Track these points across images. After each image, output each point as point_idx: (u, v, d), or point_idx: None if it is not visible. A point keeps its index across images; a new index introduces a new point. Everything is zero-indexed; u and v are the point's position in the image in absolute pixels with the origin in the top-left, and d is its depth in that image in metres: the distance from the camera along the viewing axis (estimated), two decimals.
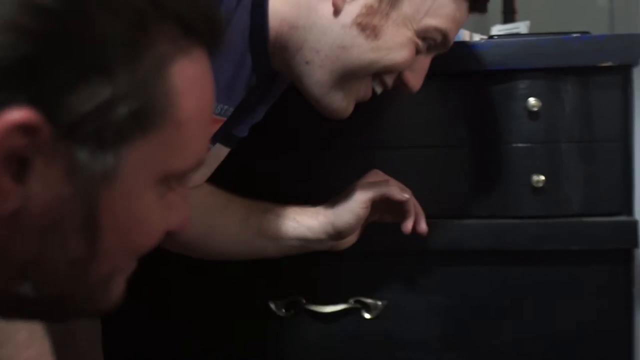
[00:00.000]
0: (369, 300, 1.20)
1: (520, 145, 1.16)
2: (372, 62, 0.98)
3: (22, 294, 0.55)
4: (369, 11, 0.96)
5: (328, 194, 1.13)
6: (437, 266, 1.19)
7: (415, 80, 1.03)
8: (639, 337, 1.63)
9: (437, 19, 0.98)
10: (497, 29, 1.37)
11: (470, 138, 1.18)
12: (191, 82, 0.56)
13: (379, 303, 1.20)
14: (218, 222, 1.12)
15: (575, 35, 1.16)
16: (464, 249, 1.18)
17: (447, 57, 1.06)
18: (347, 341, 1.22)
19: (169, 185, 0.58)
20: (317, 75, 0.99)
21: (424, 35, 0.99)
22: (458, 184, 1.19)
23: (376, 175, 1.12)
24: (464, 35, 1.24)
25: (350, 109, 1.04)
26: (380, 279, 1.21)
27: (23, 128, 0.48)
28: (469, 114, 1.18)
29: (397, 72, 1.01)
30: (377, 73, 1.01)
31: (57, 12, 0.49)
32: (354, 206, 1.08)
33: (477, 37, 1.26)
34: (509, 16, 1.62)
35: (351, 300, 1.21)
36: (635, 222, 1.15)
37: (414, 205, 1.11)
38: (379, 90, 1.04)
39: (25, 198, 0.50)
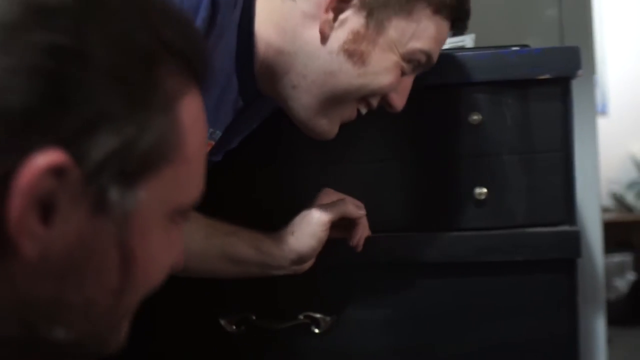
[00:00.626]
0: (318, 315, 1.21)
1: (462, 158, 1.18)
2: (360, 87, 1.00)
3: (54, 338, 0.55)
4: (356, 37, 0.98)
5: (280, 209, 1.14)
6: (384, 279, 1.20)
7: (399, 100, 1.05)
8: (583, 345, 1.65)
9: (421, 42, 1.00)
10: None
11: (412, 152, 1.19)
12: (195, 118, 0.58)
13: (328, 318, 1.21)
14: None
15: (513, 48, 1.18)
16: (409, 262, 1.19)
17: None
18: (298, 357, 1.23)
19: (174, 220, 0.60)
20: (303, 99, 1.01)
21: (409, 57, 1.01)
22: (401, 198, 1.20)
23: (329, 195, 1.13)
24: None
25: (336, 130, 1.06)
26: (329, 294, 1.22)
27: (53, 171, 0.49)
28: (411, 128, 1.19)
29: (383, 94, 1.03)
30: (364, 96, 1.03)
31: (74, 53, 0.50)
32: (316, 230, 1.09)
33: None
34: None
35: (301, 316, 1.21)
36: (577, 232, 1.16)
37: (363, 220, 1.13)
38: (363, 111, 1.06)
39: (51, 240, 0.51)
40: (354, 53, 0.98)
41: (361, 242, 1.13)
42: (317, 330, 1.21)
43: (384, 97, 1.04)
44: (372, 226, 1.15)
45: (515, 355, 1.20)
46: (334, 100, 1.01)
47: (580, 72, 1.16)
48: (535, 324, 1.19)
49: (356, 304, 1.21)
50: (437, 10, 1.00)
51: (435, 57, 1.04)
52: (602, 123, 4.97)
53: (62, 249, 0.52)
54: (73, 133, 0.49)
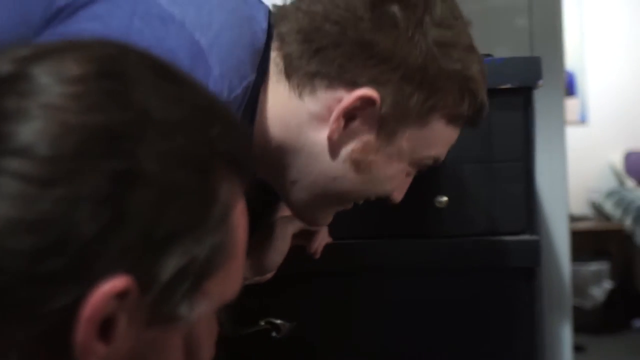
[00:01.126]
0: (279, 321, 1.21)
1: None
2: (362, 193, 0.98)
3: None
4: (365, 147, 0.93)
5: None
6: (344, 286, 1.21)
7: (399, 195, 1.02)
8: (549, 353, 1.66)
9: (433, 150, 0.97)
10: None
11: None
12: (242, 217, 0.60)
13: (288, 324, 1.21)
14: None
15: None
16: (370, 269, 1.19)
17: None
18: None
19: (214, 315, 0.61)
20: (301, 195, 0.98)
21: (417, 163, 0.98)
22: (363, 205, 1.19)
23: None
24: None
25: (329, 220, 1.04)
26: (290, 300, 1.22)
27: (117, 295, 0.49)
28: None
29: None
30: (368, 198, 1.00)
31: (134, 177, 0.50)
32: (279, 244, 1.09)
33: None
34: None
35: (262, 322, 1.21)
36: (537, 241, 1.17)
37: (324, 229, 1.13)
38: (361, 202, 1.03)
39: (114, 353, 0.51)
40: (361, 162, 0.94)
41: (319, 250, 1.13)
42: (277, 336, 1.21)
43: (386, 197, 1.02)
44: (334, 233, 1.15)
45: None
46: (333, 200, 0.99)
47: (541, 82, 1.17)
48: (495, 332, 1.19)
49: (317, 310, 1.22)
50: (452, 120, 0.96)
51: (442, 158, 1.01)
52: (581, 132, 5.06)
53: (126, 356, 0.53)
54: (138, 257, 0.50)
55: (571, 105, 5.06)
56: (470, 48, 0.96)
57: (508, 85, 1.16)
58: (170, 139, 0.52)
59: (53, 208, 0.48)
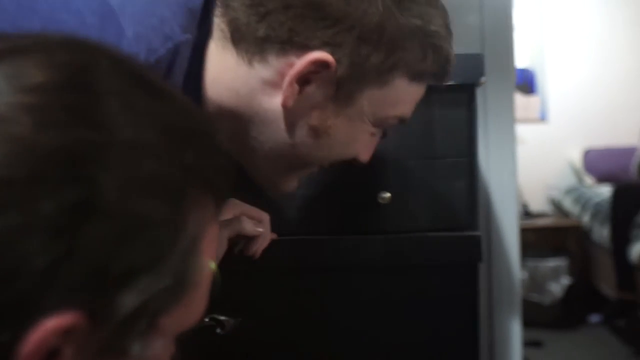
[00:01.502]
0: (223, 318, 1.21)
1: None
2: (324, 158, 0.95)
3: None
4: (323, 112, 0.89)
5: None
6: (289, 283, 1.21)
7: (366, 156, 0.98)
8: (499, 348, 1.68)
9: (396, 108, 0.93)
10: None
11: None
12: (211, 243, 0.55)
13: (232, 320, 1.20)
14: None
15: None
16: (313, 265, 1.19)
17: None
18: (202, 358, 1.22)
19: (174, 339, 0.57)
20: (261, 162, 0.94)
21: (381, 123, 0.94)
22: (307, 201, 1.20)
23: (232, 207, 1.08)
24: None
25: (296, 186, 1.00)
26: (234, 297, 1.21)
27: (62, 331, 0.46)
28: None
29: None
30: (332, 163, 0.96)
31: (93, 208, 0.45)
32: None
33: None
34: None
35: (206, 318, 1.21)
36: (478, 237, 1.18)
37: (265, 230, 1.11)
38: (326, 165, 0.99)
39: None
40: (319, 127, 0.90)
41: (257, 254, 1.11)
42: (221, 332, 1.21)
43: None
44: (278, 230, 1.15)
45: (418, 357, 1.21)
46: (296, 166, 0.95)
47: (483, 79, 1.18)
48: (437, 328, 1.20)
49: (262, 307, 1.21)
50: (415, 77, 0.92)
51: (408, 117, 0.96)
52: (541, 130, 5.10)
53: None
54: (90, 293, 0.46)
55: (532, 103, 5.11)
56: (431, 2, 0.91)
57: (451, 82, 1.17)
58: (136, 165, 0.47)
59: (0, 237, 0.44)
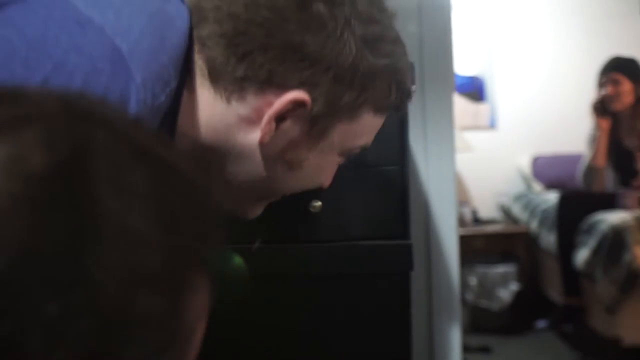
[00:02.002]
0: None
1: None
2: (294, 188, 0.99)
3: None
4: (297, 146, 0.93)
5: None
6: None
7: (328, 181, 1.03)
8: (438, 355, 1.68)
9: (362, 139, 0.98)
10: None
11: None
12: (204, 317, 0.52)
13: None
14: None
15: None
16: None
17: None
18: None
19: None
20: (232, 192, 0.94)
21: (347, 153, 0.99)
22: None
23: None
24: None
25: (259, 212, 1.03)
26: None
27: None
28: None
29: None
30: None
31: (94, 304, 0.43)
32: None
33: None
34: None
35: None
36: (409, 245, 1.18)
37: None
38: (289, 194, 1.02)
39: None
40: (293, 161, 0.94)
41: None
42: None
43: None
44: None
45: None
46: (264, 195, 0.99)
47: (414, 87, 1.18)
48: (369, 335, 1.20)
49: None
50: (379, 110, 0.97)
51: (370, 144, 1.02)
52: (491, 137, 5.15)
53: None
54: None
55: (481, 110, 5.17)
56: (397, 40, 0.95)
57: None
58: (130, 255, 0.44)
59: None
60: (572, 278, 3.79)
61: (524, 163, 5.19)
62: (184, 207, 0.49)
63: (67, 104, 0.49)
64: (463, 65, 5.23)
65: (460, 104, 5.06)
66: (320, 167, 0.98)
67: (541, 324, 4.30)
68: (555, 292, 4.16)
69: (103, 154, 0.46)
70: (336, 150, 0.97)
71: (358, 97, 0.92)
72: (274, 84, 0.88)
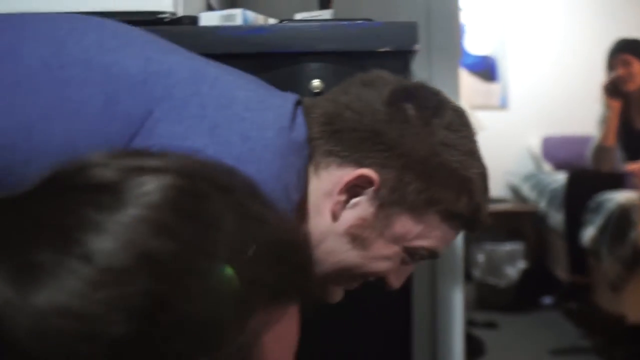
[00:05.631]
0: None
1: None
2: (357, 268, 1.03)
3: None
4: (363, 223, 1.00)
5: None
6: None
7: (396, 282, 1.07)
8: (441, 324, 1.71)
9: (427, 241, 1.02)
10: (300, 16, 1.42)
11: None
12: (280, 339, 0.63)
13: None
14: None
15: (357, 22, 1.23)
16: None
17: (239, 39, 1.14)
18: None
19: None
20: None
21: (411, 252, 1.03)
22: None
23: None
24: (258, 19, 1.29)
25: (338, 298, 1.08)
26: None
27: None
28: None
29: (380, 275, 1.05)
30: (363, 275, 1.05)
31: (167, 302, 0.56)
32: None
33: (271, 21, 1.30)
34: (323, 6, 1.68)
35: None
36: None
37: None
38: (359, 284, 1.08)
39: None
40: (357, 237, 1.01)
41: None
42: None
43: (383, 278, 1.06)
44: None
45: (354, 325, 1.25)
46: (337, 276, 1.04)
47: (417, 46, 1.21)
48: (371, 309, 1.26)
49: None
50: (447, 217, 1.02)
51: (440, 252, 1.06)
52: (501, 117, 5.17)
53: None
54: None
55: (492, 90, 5.18)
56: (472, 153, 1.04)
57: (386, 49, 1.20)
58: (208, 278, 0.57)
59: (93, 307, 0.54)
60: (578, 256, 3.82)
61: (534, 143, 5.20)
62: (272, 251, 0.62)
63: (188, 163, 0.64)
64: (475, 45, 5.24)
65: (472, 83, 5.08)
66: (384, 254, 1.02)
67: (546, 300, 4.33)
68: (561, 270, 4.19)
69: (211, 202, 0.61)
70: (400, 244, 1.02)
71: (424, 190, 1.00)
72: (352, 160, 1.00)
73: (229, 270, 0.58)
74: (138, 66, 0.95)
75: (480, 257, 4.38)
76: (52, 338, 0.55)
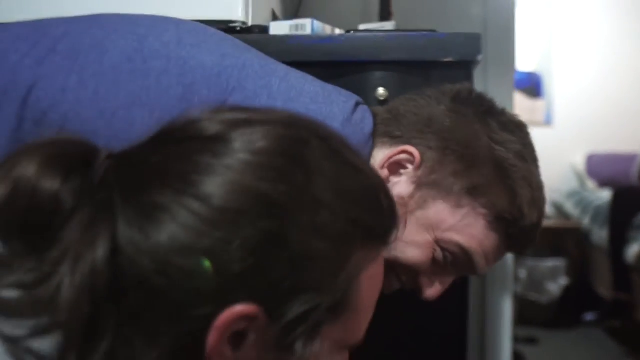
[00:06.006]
0: None
1: None
2: (391, 252, 0.99)
3: None
4: (399, 201, 0.95)
5: None
6: None
7: (431, 290, 1.05)
8: (482, 324, 1.74)
9: (461, 236, 1.00)
10: (364, 27, 1.47)
11: None
12: (372, 278, 0.69)
13: None
14: None
15: (422, 32, 1.27)
16: None
17: (308, 48, 1.19)
18: None
19: (342, 353, 0.71)
20: None
21: (443, 245, 1.01)
22: None
23: None
24: (326, 29, 1.33)
25: (393, 288, 1.06)
26: None
27: (246, 317, 0.61)
28: None
29: (411, 270, 1.03)
30: (393, 266, 1.01)
31: (280, 237, 0.62)
32: None
33: (337, 32, 1.35)
34: (384, 17, 1.73)
35: None
36: None
37: None
38: (396, 285, 1.06)
39: (234, 358, 0.63)
40: None
41: None
42: None
43: (415, 279, 1.04)
44: None
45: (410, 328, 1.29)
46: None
47: (480, 56, 1.25)
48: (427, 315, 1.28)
49: None
50: (485, 217, 1.00)
51: (478, 260, 1.02)
52: (546, 134, 5.17)
53: None
54: (270, 296, 0.62)
55: (537, 106, 5.18)
56: (522, 156, 1.03)
57: (449, 59, 1.25)
58: (316, 215, 0.64)
59: (213, 244, 0.61)
60: (622, 273, 3.81)
61: (578, 160, 5.19)
62: (362, 195, 0.68)
63: (289, 116, 0.71)
64: (521, 61, 5.25)
65: (517, 100, 5.07)
66: (416, 241, 1.01)
67: (589, 316, 4.31)
68: (604, 287, 4.17)
69: (311, 149, 0.66)
70: (432, 233, 1.00)
71: (463, 176, 1.00)
72: (404, 139, 1.03)
73: (333, 210, 0.64)
74: (213, 60, 1.00)
75: (522, 273, 4.38)
76: (174, 274, 0.61)
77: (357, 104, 1.06)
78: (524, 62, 5.31)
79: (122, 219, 0.62)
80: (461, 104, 1.05)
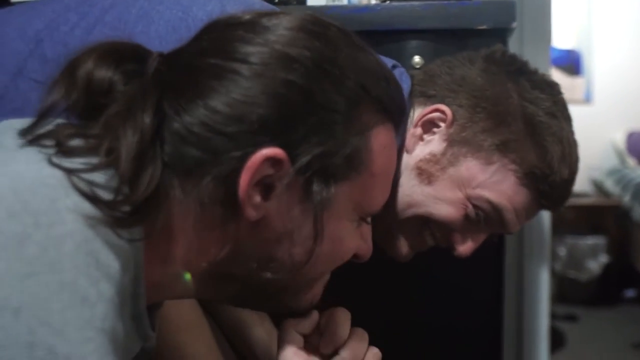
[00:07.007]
0: None
1: None
2: (419, 205, 1.04)
3: (264, 279, 0.76)
4: (431, 159, 1.03)
5: None
6: None
7: (463, 246, 1.07)
8: (520, 297, 1.75)
9: (491, 192, 1.02)
10: None
11: None
12: (383, 145, 0.77)
13: None
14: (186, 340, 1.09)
15: (456, 0, 1.29)
16: None
17: (345, 18, 1.21)
18: None
19: (361, 220, 0.79)
20: (386, 218, 1.01)
21: (474, 202, 1.03)
22: None
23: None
24: None
25: (410, 255, 1.10)
26: None
27: (273, 161, 0.70)
28: None
29: (444, 227, 1.06)
30: (427, 222, 1.05)
31: (303, 89, 0.72)
32: None
33: (373, 2, 1.37)
34: None
35: None
36: None
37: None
38: (430, 242, 1.09)
39: (266, 211, 0.72)
40: (424, 172, 1.03)
41: None
42: None
43: (448, 236, 1.07)
44: None
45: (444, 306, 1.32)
46: (402, 218, 1.05)
47: (515, 23, 1.27)
48: (463, 298, 1.32)
49: None
50: (515, 172, 1.02)
51: (509, 217, 1.03)
52: (585, 111, 5.13)
53: (275, 219, 0.73)
54: (292, 139, 0.71)
55: (577, 84, 5.14)
56: (552, 113, 1.04)
57: (484, 26, 1.26)
58: (336, 76, 0.74)
59: (251, 94, 0.71)
60: None
61: (618, 138, 5.14)
62: (373, 72, 0.78)
63: (311, 15, 0.79)
64: (560, 38, 5.21)
65: (556, 78, 5.02)
66: (447, 197, 1.03)
67: (629, 293, 4.29)
68: None
69: (332, 34, 0.76)
70: (464, 190, 1.02)
71: (493, 133, 1.02)
72: (437, 98, 1.06)
73: (347, 74, 0.74)
74: None
75: (562, 251, 4.37)
76: (211, 123, 0.71)
77: (394, 67, 1.08)
78: (562, 39, 5.26)
79: (169, 87, 0.72)
80: (493, 64, 1.07)
